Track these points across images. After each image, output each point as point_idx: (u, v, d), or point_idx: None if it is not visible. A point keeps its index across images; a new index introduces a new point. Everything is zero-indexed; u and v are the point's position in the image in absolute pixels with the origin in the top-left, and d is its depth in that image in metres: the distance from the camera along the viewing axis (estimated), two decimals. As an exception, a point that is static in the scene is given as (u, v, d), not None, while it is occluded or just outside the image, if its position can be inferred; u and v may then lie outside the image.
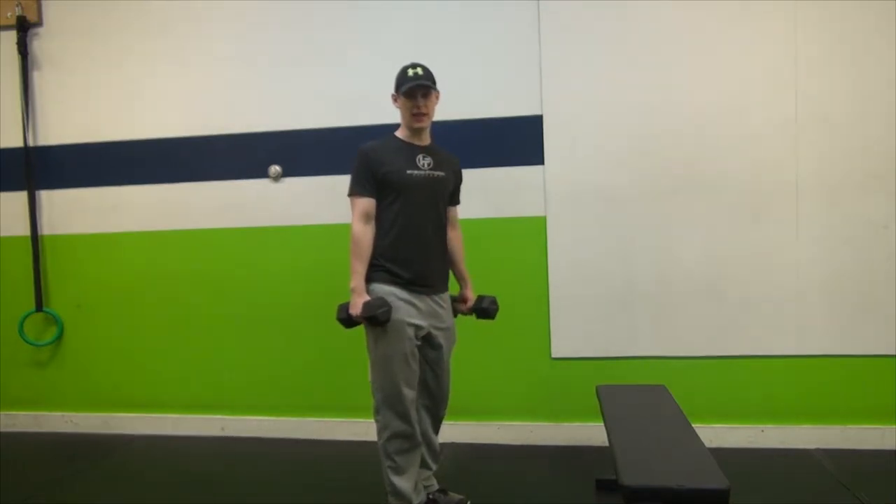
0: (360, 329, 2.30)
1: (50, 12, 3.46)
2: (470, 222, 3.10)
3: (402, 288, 2.27)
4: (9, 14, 3.43)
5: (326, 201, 3.26)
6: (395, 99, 2.34)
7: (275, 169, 3.30)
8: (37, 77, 3.50)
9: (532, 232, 3.14)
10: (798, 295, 2.97)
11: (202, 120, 3.36)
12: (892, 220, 2.90)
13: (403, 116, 2.33)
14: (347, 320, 2.28)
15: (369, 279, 2.26)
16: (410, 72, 2.29)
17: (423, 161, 2.32)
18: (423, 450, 2.45)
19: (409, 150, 2.32)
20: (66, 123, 3.48)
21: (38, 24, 3.46)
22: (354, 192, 2.28)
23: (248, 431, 3.42)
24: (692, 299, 3.04)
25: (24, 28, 3.43)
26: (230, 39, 3.31)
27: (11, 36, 3.44)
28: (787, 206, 2.96)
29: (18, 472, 3.08)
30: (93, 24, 3.41)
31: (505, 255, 3.16)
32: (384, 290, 2.25)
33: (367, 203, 2.26)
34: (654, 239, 3.05)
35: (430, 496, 2.46)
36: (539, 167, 3.11)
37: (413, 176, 2.28)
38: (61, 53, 3.46)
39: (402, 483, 2.30)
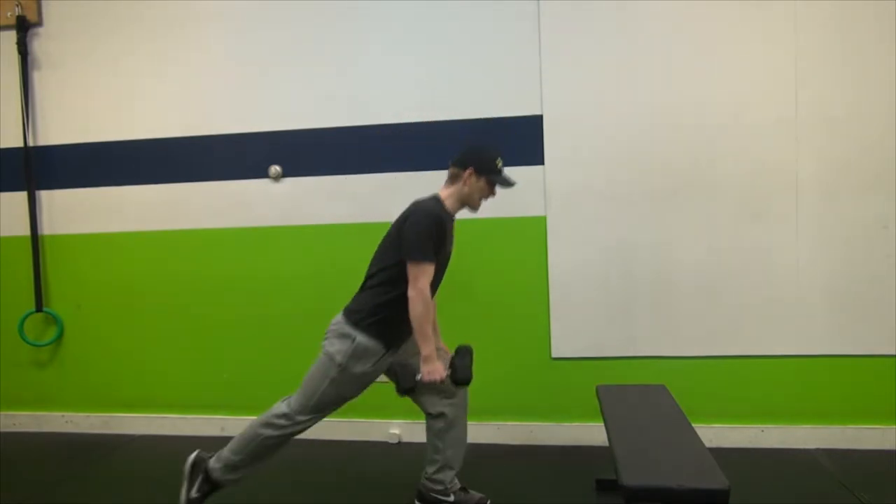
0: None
1: (50, 12, 3.45)
2: (470, 222, 3.10)
3: (385, 346, 2.29)
4: (9, 14, 3.43)
5: (326, 201, 3.26)
6: (469, 175, 2.33)
7: (275, 169, 3.30)
8: (36, 77, 3.50)
9: (532, 232, 3.14)
10: (798, 295, 2.97)
11: (202, 120, 3.35)
12: (892, 220, 2.90)
13: (469, 196, 2.35)
14: (413, 389, 2.31)
15: (365, 329, 2.25)
16: (499, 163, 2.36)
17: (452, 235, 2.38)
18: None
19: (452, 227, 2.37)
20: (65, 123, 3.48)
21: (38, 24, 3.46)
22: (425, 258, 2.22)
23: (248, 431, 3.41)
24: (692, 299, 3.04)
25: (24, 28, 3.43)
26: (230, 39, 3.31)
27: (11, 36, 3.44)
28: (787, 206, 2.96)
29: (18, 472, 3.08)
30: (93, 24, 3.41)
31: (505, 255, 3.16)
32: (372, 344, 2.26)
33: (432, 269, 2.25)
34: (653, 239, 3.05)
35: (454, 494, 2.51)
36: (539, 167, 3.11)
37: (448, 253, 2.38)
38: (61, 53, 3.46)
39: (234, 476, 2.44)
